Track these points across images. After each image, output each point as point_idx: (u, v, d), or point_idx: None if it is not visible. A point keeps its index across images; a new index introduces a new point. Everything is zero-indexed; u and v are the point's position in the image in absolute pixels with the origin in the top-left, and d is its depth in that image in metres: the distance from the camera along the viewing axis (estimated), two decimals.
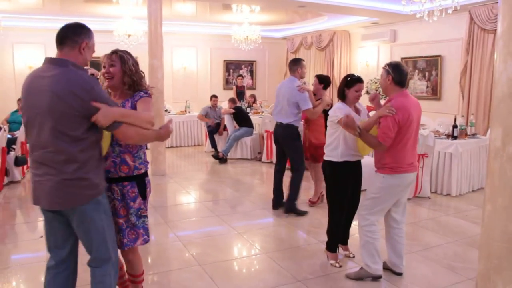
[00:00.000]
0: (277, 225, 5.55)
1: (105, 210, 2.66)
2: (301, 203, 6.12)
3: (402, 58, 11.06)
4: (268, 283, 3.89)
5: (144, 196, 2.95)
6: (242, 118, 10.02)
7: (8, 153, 7.38)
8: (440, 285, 3.88)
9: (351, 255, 4.46)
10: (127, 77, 2.86)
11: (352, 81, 4.14)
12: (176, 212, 6.23)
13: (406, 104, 3.64)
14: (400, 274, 4.02)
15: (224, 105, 11.01)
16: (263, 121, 9.70)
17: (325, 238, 4.39)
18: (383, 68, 3.81)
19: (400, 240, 3.99)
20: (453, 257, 4.47)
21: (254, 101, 11.90)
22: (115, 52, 2.90)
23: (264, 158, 9.61)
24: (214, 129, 10.43)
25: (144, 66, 13.18)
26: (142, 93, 2.90)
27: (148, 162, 3.04)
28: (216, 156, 9.68)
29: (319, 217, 5.67)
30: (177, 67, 13.64)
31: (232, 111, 10.03)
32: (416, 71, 10.71)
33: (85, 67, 2.71)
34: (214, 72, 14.51)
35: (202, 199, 6.89)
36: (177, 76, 13.68)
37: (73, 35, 2.53)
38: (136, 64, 2.93)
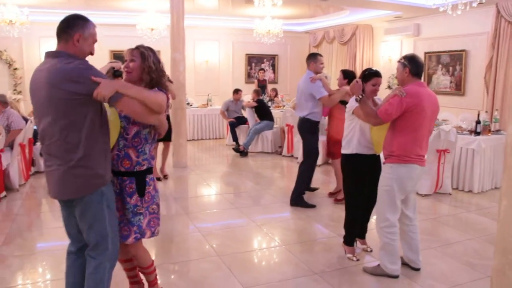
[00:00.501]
0: (296, 218, 5.58)
1: (108, 203, 2.69)
2: (322, 196, 6.15)
3: (425, 53, 10.93)
4: (285, 275, 3.93)
5: (141, 193, 2.88)
6: (263, 112, 10.06)
7: (34, 144, 7.57)
8: (458, 281, 3.86)
9: (369, 249, 4.48)
10: (146, 74, 2.83)
11: (369, 75, 4.17)
12: (196, 204, 6.33)
13: (419, 92, 3.65)
14: (417, 269, 4.02)
15: (247, 98, 11.05)
16: (284, 115, 9.72)
17: (343, 232, 4.41)
18: (398, 61, 3.83)
19: (415, 236, 4.00)
20: (472, 254, 4.44)
21: (276, 95, 11.91)
22: (137, 47, 2.90)
23: (284, 151, 9.64)
24: (236, 123, 10.49)
25: (166, 59, 13.34)
26: (156, 89, 2.85)
27: (153, 158, 3.00)
28: (237, 150, 9.77)
29: (338, 211, 5.68)
30: (199, 61, 13.71)
31: (255, 104, 10.08)
32: (440, 66, 10.57)
33: (111, 60, 2.82)
34: (236, 65, 14.55)
35: (223, 191, 6.96)
36: (199, 69, 13.76)
37: (66, 28, 2.57)
38: (157, 62, 2.88)
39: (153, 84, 2.85)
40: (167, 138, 7.46)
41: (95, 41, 2.71)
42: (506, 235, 2.53)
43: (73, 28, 2.57)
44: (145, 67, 2.82)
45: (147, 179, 2.91)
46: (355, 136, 4.17)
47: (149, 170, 2.94)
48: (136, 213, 2.89)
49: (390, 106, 3.63)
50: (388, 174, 3.78)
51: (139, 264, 3.17)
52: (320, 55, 5.96)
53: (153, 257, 4.27)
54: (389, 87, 11.20)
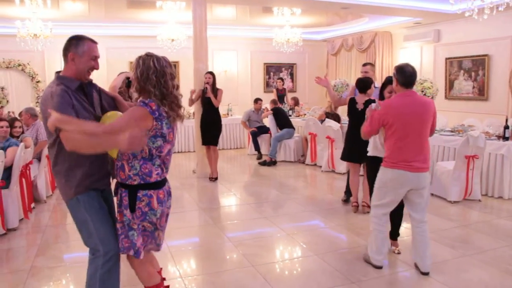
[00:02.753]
0: (326, 227, 5.53)
1: (86, 207, 2.82)
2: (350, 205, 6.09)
3: (446, 59, 10.86)
4: (322, 285, 3.89)
5: (132, 208, 2.77)
6: (282, 120, 10.06)
7: None
8: None
9: (396, 251, 4.51)
10: (136, 82, 2.75)
11: (384, 84, 4.60)
12: (224, 214, 6.32)
13: (394, 103, 3.90)
14: (424, 273, 4.03)
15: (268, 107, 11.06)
16: (306, 123, 9.68)
17: None
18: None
19: (422, 239, 4.04)
20: (510, 261, 4.35)
21: (296, 104, 11.90)
22: (138, 57, 2.81)
23: (308, 160, 9.60)
24: (257, 132, 10.49)
25: (185, 70, 13.44)
26: (140, 101, 2.75)
27: (149, 176, 2.76)
28: (263, 163, 9.68)
29: (367, 218, 5.63)
30: (218, 71, 13.74)
31: (270, 112, 10.10)
32: (462, 71, 10.48)
33: (125, 71, 2.93)
34: (254, 75, 14.59)
35: (249, 201, 6.94)
36: (218, 79, 13.54)
37: (63, 51, 2.80)
38: (148, 69, 2.70)
39: (140, 93, 2.78)
40: (213, 142, 8.00)
41: (94, 56, 2.83)
42: None
43: (68, 49, 2.78)
44: (138, 75, 2.73)
45: (138, 194, 2.76)
46: (372, 139, 4.58)
47: (143, 186, 2.77)
48: (130, 227, 2.82)
49: (368, 123, 4.01)
50: (379, 175, 4.05)
51: (141, 281, 3.06)
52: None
53: (187, 269, 4.28)
54: None
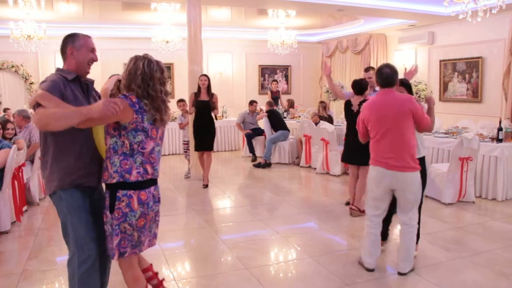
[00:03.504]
0: (320, 229, 5.52)
1: (69, 207, 2.84)
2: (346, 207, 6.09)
3: (440, 61, 10.90)
4: (317, 287, 3.87)
5: (111, 208, 2.73)
6: (276, 122, 10.05)
7: None
8: None
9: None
10: (123, 80, 2.81)
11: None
12: (218, 216, 6.30)
13: (371, 101, 4.17)
14: (400, 274, 4.08)
15: (263, 109, 11.05)
16: (301, 125, 9.67)
17: None
18: None
19: (404, 238, 4.09)
20: (504, 263, 4.35)
21: (291, 106, 11.90)
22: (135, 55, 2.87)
23: (302, 162, 9.59)
24: (252, 134, 10.48)
25: (180, 72, 13.42)
26: (121, 94, 2.79)
27: (128, 173, 2.72)
28: (258, 165, 9.67)
29: (362, 221, 5.63)
30: (212, 73, 13.75)
31: (265, 115, 10.10)
32: (456, 73, 10.52)
33: (115, 74, 3.00)
34: (249, 77, 14.60)
35: (243, 203, 6.92)
36: (213, 81, 13.58)
37: (61, 49, 2.94)
38: (136, 69, 2.74)
39: (126, 91, 2.79)
40: (207, 148, 7.79)
41: (91, 49, 2.96)
42: None
43: (65, 45, 2.92)
44: (123, 74, 2.83)
45: (118, 194, 2.71)
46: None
47: (122, 185, 2.72)
48: (112, 228, 2.76)
49: (357, 124, 4.27)
50: (368, 175, 4.19)
51: (126, 285, 2.99)
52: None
53: (181, 272, 4.26)
54: None
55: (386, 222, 4.52)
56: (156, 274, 3.27)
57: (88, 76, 3.04)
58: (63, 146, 2.80)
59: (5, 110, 9.65)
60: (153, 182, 2.85)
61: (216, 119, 8.10)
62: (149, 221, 2.85)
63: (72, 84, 2.85)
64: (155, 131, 2.81)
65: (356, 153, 5.78)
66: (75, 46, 2.89)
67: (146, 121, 2.73)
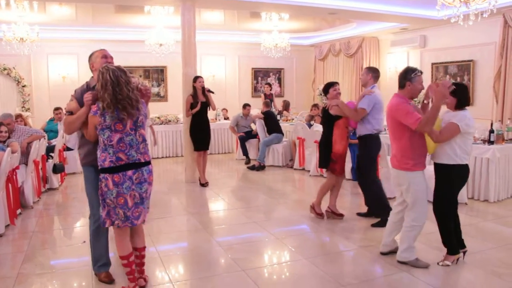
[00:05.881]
0: (315, 231, 5.55)
1: (89, 180, 3.80)
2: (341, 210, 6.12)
3: (432, 64, 11.00)
4: None
5: (98, 187, 3.58)
6: (271, 124, 10.06)
7: (47, 160, 7.57)
8: None
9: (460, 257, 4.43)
10: (99, 92, 3.48)
11: None
12: (213, 219, 6.31)
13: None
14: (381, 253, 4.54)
15: (256, 112, 11.05)
16: (295, 128, 9.70)
17: (365, 244, 4.45)
18: None
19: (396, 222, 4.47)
20: (497, 263, 4.40)
21: (286, 108, 11.92)
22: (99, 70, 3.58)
23: (296, 165, 9.62)
24: (245, 137, 10.50)
25: (173, 74, 13.40)
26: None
27: (103, 162, 3.47)
28: (252, 167, 9.70)
29: (357, 223, 5.68)
30: (206, 76, 13.69)
31: (262, 116, 10.10)
32: (447, 76, 10.61)
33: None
34: (242, 80, 14.63)
35: (238, 205, 6.93)
36: (206, 84, 13.74)
37: (90, 67, 3.87)
38: (106, 81, 3.39)
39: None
40: (207, 147, 8.12)
41: (103, 55, 3.78)
42: None
43: (89, 61, 3.90)
44: (98, 87, 3.51)
45: (100, 176, 3.51)
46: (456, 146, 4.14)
47: (102, 170, 3.48)
48: (100, 202, 3.55)
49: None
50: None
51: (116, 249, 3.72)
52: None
53: (176, 274, 4.26)
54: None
55: (456, 231, 4.51)
56: (143, 257, 3.87)
57: (79, 79, 3.52)
58: (85, 140, 3.77)
59: (56, 109, 9.52)
60: (131, 166, 3.49)
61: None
62: (131, 199, 3.50)
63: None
64: (120, 125, 3.44)
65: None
66: (92, 59, 3.84)
67: (108, 119, 3.41)
